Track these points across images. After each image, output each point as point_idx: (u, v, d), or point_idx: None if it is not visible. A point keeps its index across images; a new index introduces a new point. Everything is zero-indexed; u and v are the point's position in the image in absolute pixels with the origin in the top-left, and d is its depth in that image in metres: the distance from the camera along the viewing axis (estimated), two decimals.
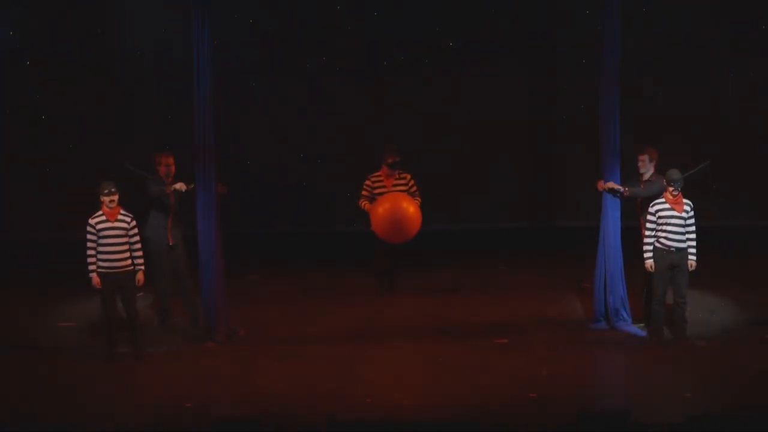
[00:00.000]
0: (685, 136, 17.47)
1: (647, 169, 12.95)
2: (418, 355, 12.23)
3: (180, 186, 12.75)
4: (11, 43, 17.52)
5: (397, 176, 14.19)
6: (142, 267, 12.11)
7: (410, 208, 13.63)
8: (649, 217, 12.46)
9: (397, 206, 13.61)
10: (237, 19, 17.91)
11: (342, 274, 15.63)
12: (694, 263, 12.43)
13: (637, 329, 12.84)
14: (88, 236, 12.00)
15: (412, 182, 14.23)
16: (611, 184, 12.83)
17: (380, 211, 13.64)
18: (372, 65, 18.19)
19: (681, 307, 12.47)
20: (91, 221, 12.02)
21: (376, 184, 14.21)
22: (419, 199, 14.05)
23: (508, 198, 18.51)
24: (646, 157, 12.96)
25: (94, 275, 12.00)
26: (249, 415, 10.24)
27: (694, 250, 12.42)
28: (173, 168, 12.94)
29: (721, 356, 12.11)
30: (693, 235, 12.42)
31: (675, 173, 12.38)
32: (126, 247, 12.03)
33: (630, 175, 13.05)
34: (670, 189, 12.35)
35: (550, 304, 14.08)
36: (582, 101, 17.80)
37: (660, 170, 12.83)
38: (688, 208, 12.42)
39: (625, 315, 12.95)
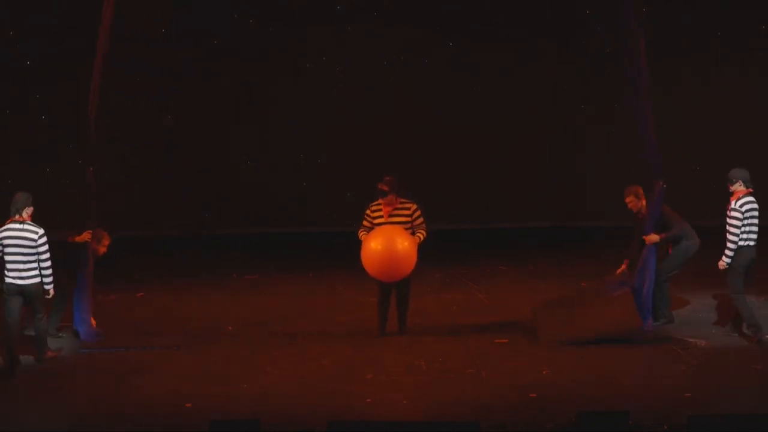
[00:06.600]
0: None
1: (639, 208, 12.87)
2: (419, 355, 12.22)
3: None
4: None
5: (397, 205, 12.60)
6: None
7: (405, 243, 12.23)
8: (735, 214, 12.23)
9: (388, 245, 12.22)
10: (237, 19, 17.95)
11: (342, 273, 15.62)
12: (724, 264, 12.39)
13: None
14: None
15: (417, 213, 12.59)
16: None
17: (372, 248, 12.28)
18: (373, 65, 18.23)
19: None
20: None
21: (375, 214, 12.68)
22: (423, 233, 12.52)
23: (508, 198, 18.54)
24: (632, 198, 12.88)
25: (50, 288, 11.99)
26: (249, 415, 10.25)
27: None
28: None
29: (721, 356, 12.11)
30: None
31: (744, 171, 12.32)
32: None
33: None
34: (748, 188, 12.30)
35: (550, 304, 14.05)
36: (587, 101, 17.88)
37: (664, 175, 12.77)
38: None
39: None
